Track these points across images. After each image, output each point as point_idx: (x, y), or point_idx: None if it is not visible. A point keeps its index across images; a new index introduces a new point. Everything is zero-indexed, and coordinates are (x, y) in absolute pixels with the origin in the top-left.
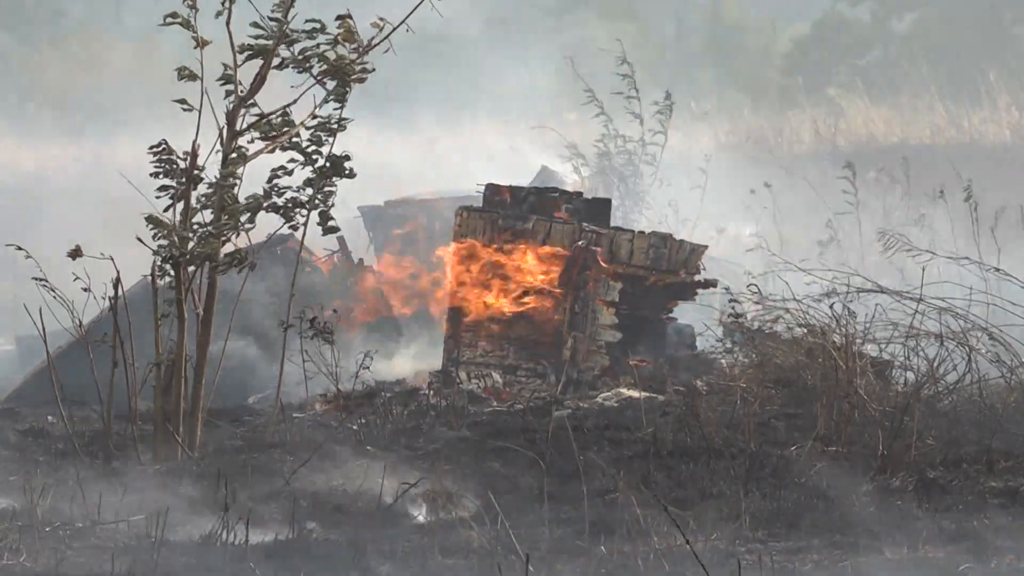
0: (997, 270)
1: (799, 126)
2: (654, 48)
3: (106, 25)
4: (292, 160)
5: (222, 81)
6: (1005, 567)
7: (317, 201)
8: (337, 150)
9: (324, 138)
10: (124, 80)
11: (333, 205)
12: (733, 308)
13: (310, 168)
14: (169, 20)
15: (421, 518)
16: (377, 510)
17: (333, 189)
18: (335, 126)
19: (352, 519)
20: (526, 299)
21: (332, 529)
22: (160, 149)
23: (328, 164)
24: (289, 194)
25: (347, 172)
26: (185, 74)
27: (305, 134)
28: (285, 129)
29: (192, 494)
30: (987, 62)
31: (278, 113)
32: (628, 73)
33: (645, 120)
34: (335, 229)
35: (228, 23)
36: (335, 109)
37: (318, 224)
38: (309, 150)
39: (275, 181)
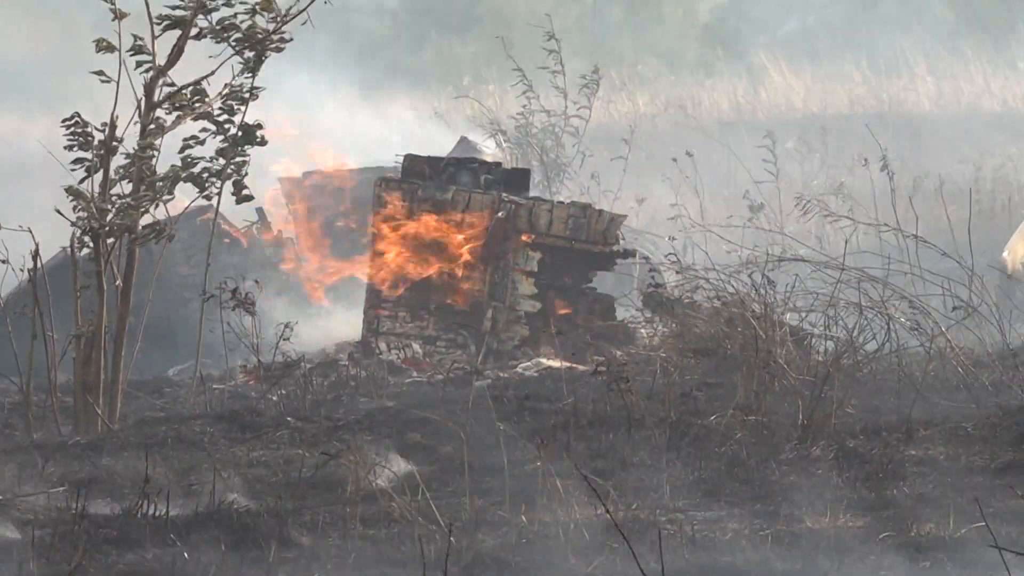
0: (916, 237)
1: (719, 96)
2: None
3: None
4: (204, 130)
5: (133, 52)
6: (925, 535)
7: (230, 171)
8: (258, 121)
9: (236, 107)
10: (42, 51)
11: (246, 175)
12: (652, 278)
13: (221, 138)
14: None
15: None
16: (298, 481)
17: (246, 158)
18: (247, 95)
19: (272, 490)
20: (446, 270)
21: (253, 500)
22: (73, 122)
23: (240, 133)
24: (203, 164)
25: (259, 140)
26: (103, 46)
27: (218, 104)
28: (196, 99)
29: (113, 466)
30: (905, 31)
31: (191, 84)
32: (555, 49)
33: (569, 94)
34: (249, 198)
35: None
36: (246, 78)
37: (232, 194)
38: (221, 119)
39: (187, 152)
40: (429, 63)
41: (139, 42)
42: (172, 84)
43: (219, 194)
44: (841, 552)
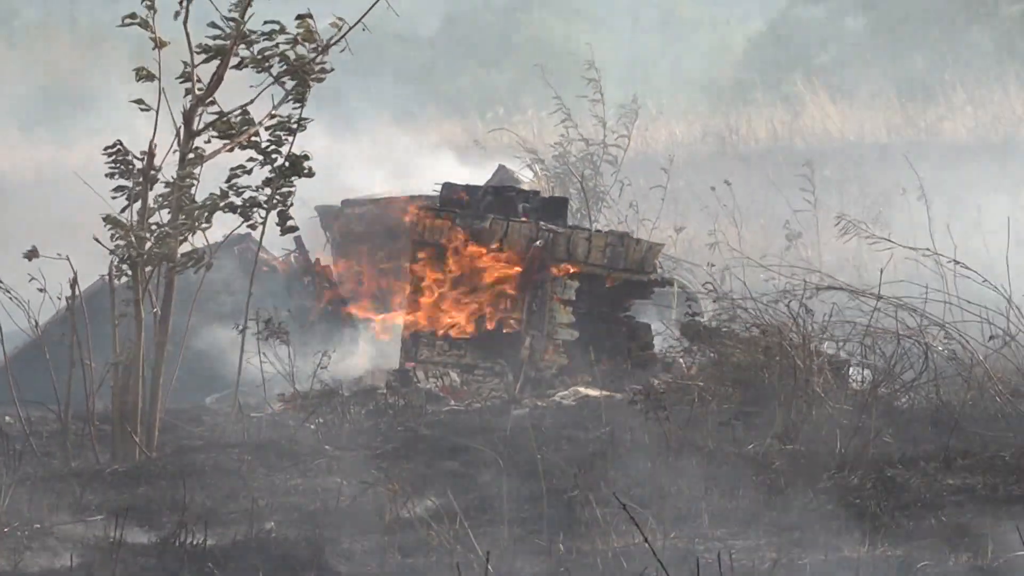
0: (956, 263)
1: (757, 125)
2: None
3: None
4: (251, 159)
5: (182, 79)
6: (962, 565)
7: (276, 201)
8: (295, 149)
9: (283, 137)
10: (81, 80)
11: (292, 204)
12: (690, 307)
13: (268, 168)
14: (128, 20)
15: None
16: (336, 509)
17: (292, 189)
18: (295, 126)
19: (310, 519)
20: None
21: (291, 528)
22: (115, 150)
23: (287, 164)
24: (248, 194)
25: (306, 171)
26: (143, 75)
27: (264, 134)
28: (244, 128)
29: (150, 494)
30: (943, 60)
31: (237, 112)
32: (595, 78)
33: (608, 123)
34: (294, 229)
35: (186, 23)
36: (294, 108)
37: (276, 224)
38: (268, 149)
39: (234, 180)
40: (466, 91)
41: (187, 69)
42: (218, 113)
43: (263, 223)
44: None
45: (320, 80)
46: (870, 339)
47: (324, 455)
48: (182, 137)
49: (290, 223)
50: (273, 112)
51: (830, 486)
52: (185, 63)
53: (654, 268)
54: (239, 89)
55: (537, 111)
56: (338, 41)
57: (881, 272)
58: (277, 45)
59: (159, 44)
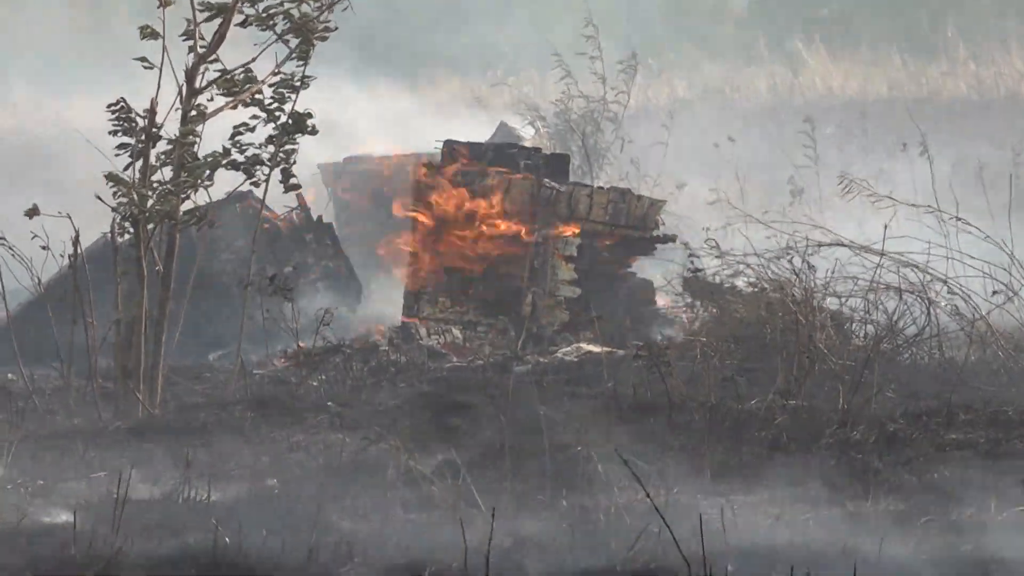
0: (958, 219)
1: (758, 82)
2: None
3: None
4: (255, 117)
5: (184, 36)
6: (965, 520)
7: (279, 158)
8: (308, 110)
9: (287, 95)
10: (82, 37)
11: (295, 162)
12: (692, 263)
13: (272, 125)
14: None
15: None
16: (338, 466)
17: (295, 146)
18: (298, 83)
19: (313, 475)
20: (489, 255)
21: (293, 485)
22: (119, 107)
23: (290, 121)
24: (251, 151)
25: (309, 129)
26: (147, 32)
27: (268, 91)
28: (247, 86)
29: (153, 451)
30: (945, 16)
31: (241, 70)
32: (593, 35)
33: (607, 79)
34: (297, 186)
35: None
36: (298, 66)
37: (280, 181)
38: (272, 107)
39: (237, 138)
40: (467, 49)
41: (190, 27)
42: (221, 71)
43: (267, 181)
44: (882, 536)
45: (324, 39)
46: (873, 295)
47: (326, 412)
48: (184, 95)
49: (292, 180)
50: (277, 70)
51: (832, 442)
52: (188, 21)
53: (656, 225)
54: (244, 47)
55: (539, 70)
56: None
57: (885, 228)
58: (282, 3)
59: (164, 2)
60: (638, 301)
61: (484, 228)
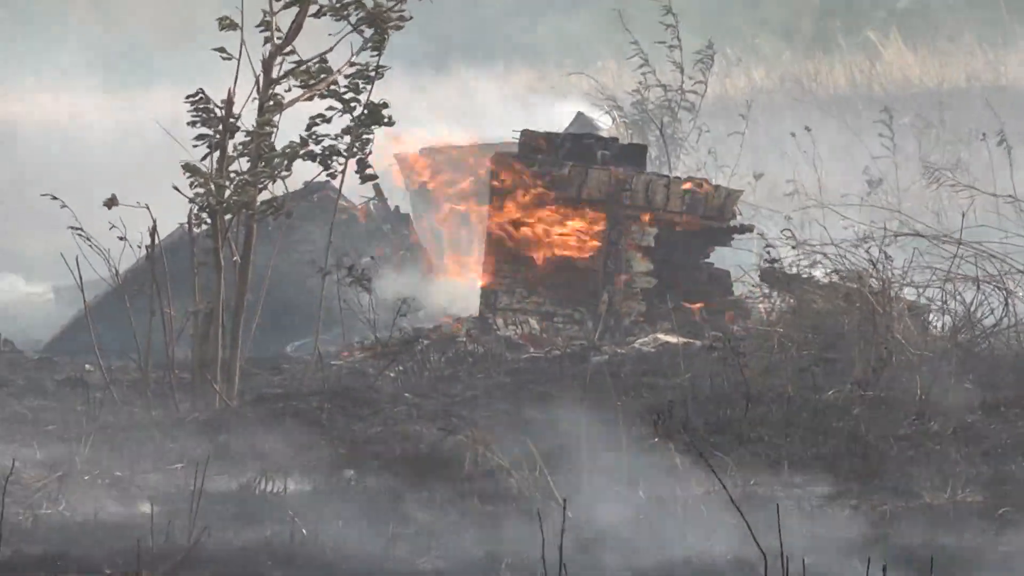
0: None
1: (836, 71)
2: None
3: None
4: (331, 108)
5: (261, 28)
6: None
7: (355, 149)
8: (374, 98)
9: (362, 86)
10: (161, 29)
11: (371, 153)
12: (769, 253)
13: (348, 116)
14: None
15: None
16: (415, 457)
17: (371, 137)
18: (372, 74)
19: (391, 466)
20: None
21: (371, 476)
22: (198, 98)
23: (366, 112)
24: (327, 142)
25: (386, 120)
26: (226, 24)
27: (343, 82)
28: (323, 76)
29: (230, 443)
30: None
31: (315, 60)
32: (672, 23)
33: (685, 69)
34: (373, 177)
35: None
36: (372, 56)
37: (356, 172)
38: (347, 98)
39: (313, 129)
40: (545, 38)
41: (266, 18)
42: (297, 62)
43: (343, 172)
44: (960, 528)
45: (399, 28)
46: (950, 285)
47: (404, 403)
48: (261, 85)
49: (369, 171)
50: (352, 60)
51: (910, 433)
52: (265, 12)
53: (733, 215)
54: (320, 37)
55: (617, 59)
56: None
57: (963, 217)
58: None
59: None
60: (716, 291)
61: (560, 219)
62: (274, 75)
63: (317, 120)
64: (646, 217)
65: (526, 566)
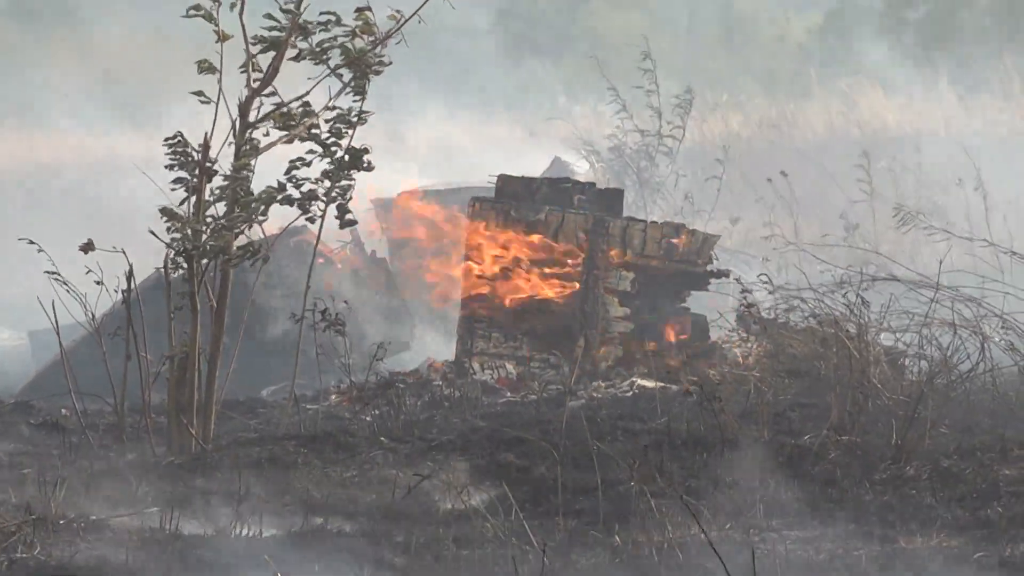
0: (1013, 253)
1: (813, 116)
2: (667, 39)
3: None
4: (311, 151)
5: (243, 69)
6: (1019, 555)
7: (335, 194)
8: (365, 145)
9: (344, 130)
10: (138, 73)
11: (351, 198)
12: (746, 298)
13: (328, 160)
14: (192, 12)
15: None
16: (391, 502)
17: (351, 182)
18: (354, 119)
19: (366, 511)
20: (543, 289)
21: (347, 521)
22: (175, 141)
23: (347, 157)
24: (307, 186)
25: (365, 165)
26: (205, 67)
27: (324, 126)
28: (304, 120)
29: (206, 486)
30: (1001, 50)
31: (296, 104)
32: (650, 68)
33: (663, 113)
34: (353, 222)
35: (241, 15)
36: (355, 101)
37: (336, 217)
38: (328, 142)
39: (293, 173)
40: (522, 84)
41: (248, 60)
42: (277, 104)
43: (322, 217)
44: (936, 572)
45: (378, 72)
46: (927, 330)
47: (380, 447)
48: (237, 129)
49: (349, 216)
50: (331, 104)
51: (886, 477)
52: (248, 52)
53: (710, 259)
54: (300, 81)
55: (594, 105)
56: (395, 33)
57: (940, 263)
58: (335, 37)
59: (222, 37)
60: (692, 336)
61: (537, 263)
62: (251, 119)
63: (297, 164)
64: (623, 261)
65: None
